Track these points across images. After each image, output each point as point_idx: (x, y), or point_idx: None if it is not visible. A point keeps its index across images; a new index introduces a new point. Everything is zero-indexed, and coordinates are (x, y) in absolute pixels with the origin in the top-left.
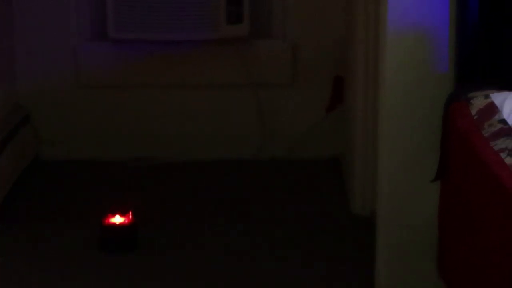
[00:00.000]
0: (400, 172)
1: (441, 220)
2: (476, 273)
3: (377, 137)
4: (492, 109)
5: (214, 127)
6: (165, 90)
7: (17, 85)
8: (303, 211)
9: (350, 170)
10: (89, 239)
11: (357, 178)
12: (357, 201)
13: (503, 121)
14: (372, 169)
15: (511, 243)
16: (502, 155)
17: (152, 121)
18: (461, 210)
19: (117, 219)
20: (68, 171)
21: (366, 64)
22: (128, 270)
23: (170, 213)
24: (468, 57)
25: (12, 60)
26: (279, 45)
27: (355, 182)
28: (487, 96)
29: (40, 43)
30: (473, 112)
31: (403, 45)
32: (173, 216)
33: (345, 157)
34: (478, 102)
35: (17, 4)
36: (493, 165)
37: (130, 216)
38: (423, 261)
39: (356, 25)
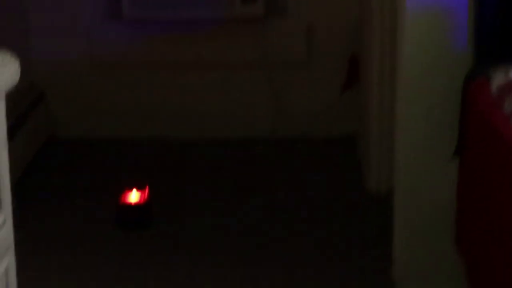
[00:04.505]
0: (418, 150)
1: (460, 196)
2: (495, 248)
3: (394, 115)
4: None
5: (228, 106)
6: (179, 69)
7: (32, 64)
8: (318, 189)
9: (366, 148)
10: (106, 218)
11: (373, 157)
12: (373, 179)
13: None
14: (388, 148)
15: None
16: None
17: (166, 100)
18: (480, 186)
19: (133, 198)
20: (82, 150)
21: (382, 42)
22: (144, 247)
23: (185, 191)
24: (487, 34)
25: (27, 39)
26: (293, 25)
27: (371, 160)
28: (507, 73)
29: (54, 22)
30: (493, 88)
31: (422, 23)
32: (188, 194)
33: (360, 135)
34: (498, 78)
35: None
36: None
37: (146, 194)
38: (441, 238)
39: (372, 3)
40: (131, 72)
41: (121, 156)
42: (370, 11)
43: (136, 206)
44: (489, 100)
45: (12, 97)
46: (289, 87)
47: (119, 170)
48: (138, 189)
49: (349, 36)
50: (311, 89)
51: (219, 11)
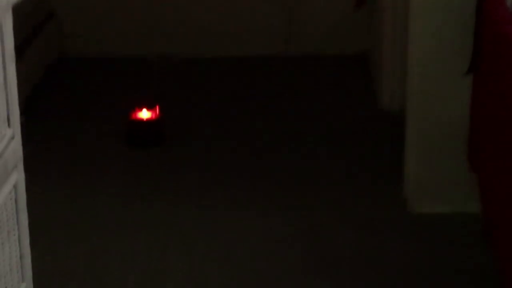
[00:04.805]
0: (431, 67)
1: (473, 113)
2: (508, 165)
3: (407, 31)
4: None
5: (240, 23)
6: None
7: None
8: (330, 106)
9: (379, 65)
10: (116, 134)
11: (385, 74)
12: (385, 96)
13: None
14: (401, 64)
15: None
16: None
17: (178, 17)
18: (495, 103)
19: (144, 115)
20: (93, 67)
21: None
22: (155, 163)
23: (196, 108)
24: None
25: None
26: None
27: (384, 77)
28: None
29: None
30: (509, 2)
31: None
32: (199, 111)
33: (373, 52)
34: None
35: None
36: None
37: (157, 111)
38: (453, 155)
39: None
40: None
41: (131, 73)
42: None
43: (148, 122)
44: (505, 14)
45: (22, 15)
46: (303, 2)
47: (129, 87)
48: (149, 106)
49: None
50: (324, 4)
51: None
